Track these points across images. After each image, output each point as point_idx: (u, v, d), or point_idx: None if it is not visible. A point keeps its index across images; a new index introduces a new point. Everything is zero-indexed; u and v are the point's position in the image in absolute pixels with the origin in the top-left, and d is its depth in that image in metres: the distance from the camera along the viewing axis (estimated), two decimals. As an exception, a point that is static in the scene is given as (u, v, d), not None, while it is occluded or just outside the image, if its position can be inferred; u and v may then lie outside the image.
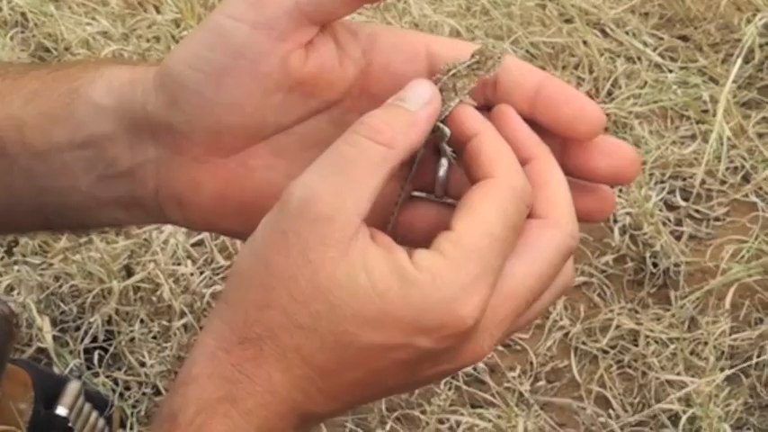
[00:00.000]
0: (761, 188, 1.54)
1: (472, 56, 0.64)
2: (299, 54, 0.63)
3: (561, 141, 0.65)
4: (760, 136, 1.59)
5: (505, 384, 1.38)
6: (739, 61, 1.64)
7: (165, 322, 1.42)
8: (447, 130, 0.63)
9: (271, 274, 0.59)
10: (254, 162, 0.66)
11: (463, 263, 0.59)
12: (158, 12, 1.81)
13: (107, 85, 0.68)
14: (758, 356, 1.35)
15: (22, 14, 1.81)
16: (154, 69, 0.67)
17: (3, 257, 1.48)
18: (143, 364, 1.40)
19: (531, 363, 1.41)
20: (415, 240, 0.65)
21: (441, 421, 1.35)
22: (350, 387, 0.61)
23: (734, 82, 1.63)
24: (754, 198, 1.53)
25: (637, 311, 1.44)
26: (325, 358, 0.60)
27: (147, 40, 1.77)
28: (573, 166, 0.65)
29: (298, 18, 0.63)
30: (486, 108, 0.65)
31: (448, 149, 0.64)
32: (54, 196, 0.70)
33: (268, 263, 0.59)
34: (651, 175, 1.55)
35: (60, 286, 1.45)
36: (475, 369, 1.39)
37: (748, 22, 1.69)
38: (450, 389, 1.37)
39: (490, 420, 1.34)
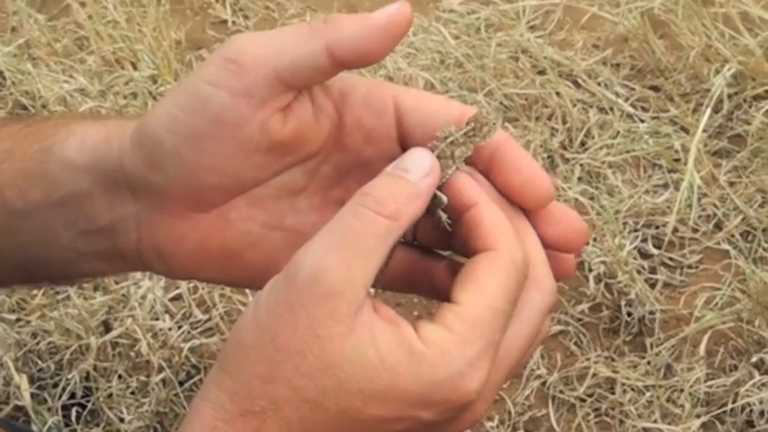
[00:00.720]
0: (733, 236, 1.56)
1: (467, 122, 0.65)
2: (277, 118, 0.64)
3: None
4: (731, 184, 1.61)
5: (484, 434, 1.39)
6: (708, 111, 1.66)
7: (143, 377, 1.42)
8: (444, 198, 0.64)
9: (277, 348, 0.59)
10: (232, 214, 0.67)
11: (469, 338, 0.60)
12: (135, 68, 1.82)
13: (80, 143, 0.69)
14: (733, 403, 1.36)
15: (0, 73, 1.82)
16: (130, 125, 0.67)
17: (-20, 315, 1.48)
18: (122, 420, 1.39)
19: (510, 412, 1.41)
20: (383, 281, 0.67)
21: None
22: None
23: (704, 131, 1.65)
24: (726, 246, 1.55)
25: (613, 359, 1.45)
26: (326, 430, 0.60)
27: (125, 97, 1.78)
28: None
29: (276, 85, 0.63)
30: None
31: (444, 216, 0.65)
32: (36, 251, 0.71)
33: (274, 336, 0.59)
34: (625, 223, 1.57)
35: (38, 343, 1.45)
36: (453, 420, 1.39)
37: (717, 72, 1.72)
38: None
39: (469, 471, 1.34)
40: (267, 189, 0.67)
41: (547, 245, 0.65)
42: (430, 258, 0.69)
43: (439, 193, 0.64)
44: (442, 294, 0.65)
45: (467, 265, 0.63)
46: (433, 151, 0.64)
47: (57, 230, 0.69)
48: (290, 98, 0.64)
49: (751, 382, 1.37)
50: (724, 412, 1.37)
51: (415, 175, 0.62)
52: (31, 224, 0.70)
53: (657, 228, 1.58)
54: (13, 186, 0.69)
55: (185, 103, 0.64)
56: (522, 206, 0.65)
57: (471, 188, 0.64)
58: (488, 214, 0.63)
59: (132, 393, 1.42)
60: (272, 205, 0.68)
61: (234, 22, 1.95)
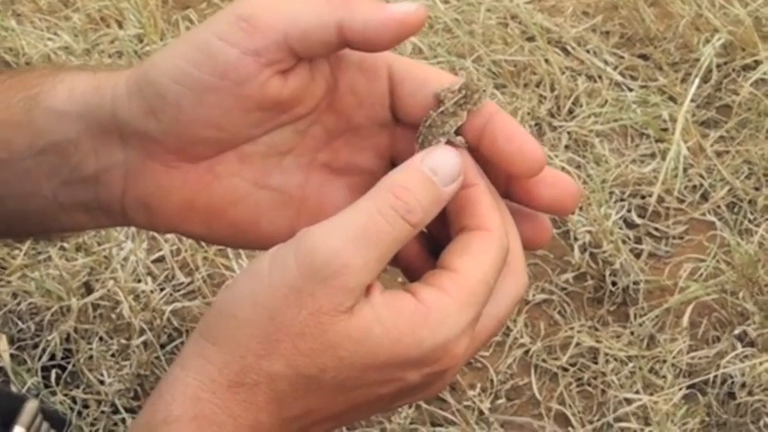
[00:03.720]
0: (719, 207, 1.55)
1: (459, 90, 0.65)
2: (278, 78, 0.65)
3: (505, 174, 0.67)
4: (718, 155, 1.61)
5: (465, 402, 1.39)
6: (697, 80, 1.65)
7: (124, 340, 1.41)
8: None
9: (277, 328, 0.60)
10: (221, 169, 0.68)
11: (465, 305, 0.62)
12: (121, 27, 1.80)
13: (68, 92, 0.68)
14: (715, 375, 1.36)
15: (-17, 29, 1.80)
16: (122, 75, 0.67)
17: (-40, 275, 1.47)
18: (102, 383, 1.39)
19: (492, 380, 1.41)
20: None
21: (401, 439, 1.36)
22: (328, 419, 0.63)
23: (692, 101, 1.64)
24: (712, 217, 1.54)
25: (596, 329, 1.45)
26: (316, 400, 0.61)
27: (110, 56, 1.76)
28: (516, 193, 0.67)
29: (285, 50, 0.64)
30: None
31: None
32: (16, 202, 0.70)
33: (274, 315, 0.60)
34: (611, 193, 1.56)
35: (18, 304, 1.44)
36: (435, 387, 1.39)
37: (707, 41, 1.71)
38: (410, 407, 1.37)
39: (450, 438, 1.34)
40: (257, 146, 0.67)
41: (542, 208, 0.67)
42: None
43: None
44: (410, 264, 0.67)
45: (460, 238, 0.64)
46: (426, 121, 0.65)
47: (39, 180, 0.69)
48: (293, 63, 0.65)
49: (733, 354, 1.37)
50: (705, 383, 1.37)
51: (443, 180, 0.63)
52: (13, 174, 0.69)
53: (644, 198, 1.57)
54: None
55: (192, 56, 0.64)
56: (515, 174, 0.66)
57: (473, 169, 0.65)
58: (486, 197, 0.65)
59: (113, 356, 1.41)
60: (260, 162, 0.68)
61: (221, -18, 1.93)
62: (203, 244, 1.51)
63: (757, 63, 1.67)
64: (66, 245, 1.47)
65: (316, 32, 0.64)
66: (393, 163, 0.68)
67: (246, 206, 0.68)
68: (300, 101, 0.67)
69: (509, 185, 0.67)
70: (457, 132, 0.66)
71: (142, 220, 0.69)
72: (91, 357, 1.40)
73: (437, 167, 0.63)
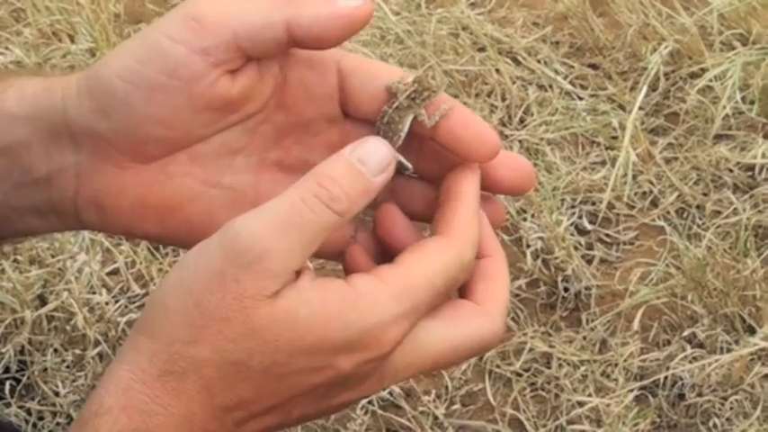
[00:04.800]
0: (668, 212, 1.57)
1: (412, 83, 0.67)
2: (227, 78, 0.66)
3: (460, 159, 0.68)
4: (667, 161, 1.63)
5: (420, 408, 1.40)
6: (645, 88, 1.68)
7: (78, 351, 1.41)
8: (409, 165, 0.67)
9: (202, 313, 0.60)
10: (173, 169, 0.68)
11: (400, 295, 0.62)
12: (73, 41, 1.80)
13: (18, 94, 0.68)
14: (665, 376, 1.38)
15: (-66, 44, 1.80)
16: (72, 77, 0.68)
17: None
18: (57, 394, 1.39)
19: (447, 386, 1.42)
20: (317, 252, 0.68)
21: (356, 446, 1.36)
22: (264, 414, 0.63)
23: (641, 109, 1.67)
24: (661, 222, 1.57)
25: (549, 334, 1.46)
26: (247, 387, 0.61)
27: (62, 70, 1.76)
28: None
29: (234, 49, 0.65)
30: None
31: (411, 176, 0.69)
32: None
33: (199, 302, 0.60)
34: (562, 200, 1.58)
35: (-28, 316, 1.44)
36: (390, 393, 1.40)
37: (654, 50, 1.74)
38: (366, 413, 1.38)
39: (405, 444, 1.35)
40: (208, 146, 0.68)
41: (502, 190, 0.68)
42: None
43: (405, 162, 0.67)
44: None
45: (421, 241, 0.65)
46: (382, 117, 0.66)
47: None
48: (242, 62, 0.66)
49: (682, 355, 1.39)
50: (656, 385, 1.39)
51: (372, 170, 0.63)
52: None
53: (594, 204, 1.59)
54: None
55: (142, 54, 0.65)
56: (473, 160, 0.67)
57: (464, 184, 0.66)
58: (465, 212, 0.65)
59: (68, 367, 1.41)
60: (211, 162, 0.68)
61: (173, -4, 1.94)
62: (158, 255, 1.51)
63: (703, 71, 1.70)
64: (19, 257, 1.47)
65: (264, 31, 0.65)
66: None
67: (200, 205, 0.69)
68: (250, 99, 0.67)
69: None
70: (413, 125, 0.67)
71: (95, 221, 0.69)
72: (46, 369, 1.40)
73: (365, 158, 0.63)
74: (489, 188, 0.68)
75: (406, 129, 0.67)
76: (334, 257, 0.69)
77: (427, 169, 0.69)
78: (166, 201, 0.68)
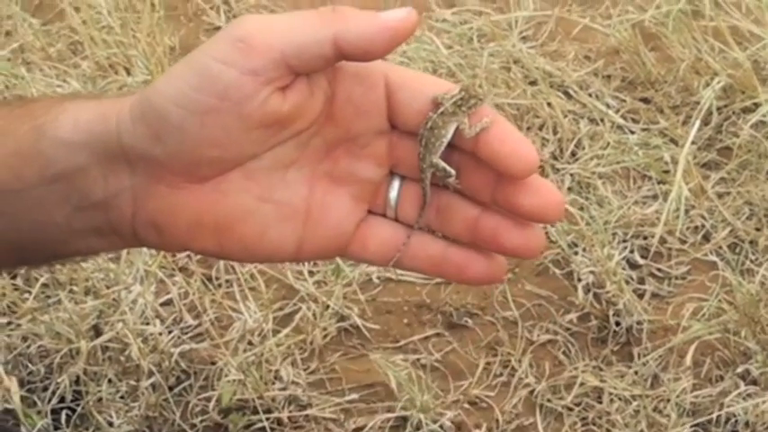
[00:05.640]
0: (720, 247, 1.57)
1: (459, 91, 0.67)
2: (278, 96, 0.67)
3: (496, 176, 0.68)
4: (719, 196, 1.62)
5: (471, 442, 1.40)
6: (698, 123, 1.67)
7: (132, 382, 1.43)
8: (452, 171, 0.67)
9: None
10: (227, 186, 0.69)
11: None
12: (129, 74, 1.83)
13: (74, 121, 0.70)
14: (719, 413, 1.37)
15: (-6, 77, 1.83)
16: (126, 101, 0.69)
17: (-29, 318, 1.49)
18: (111, 424, 1.40)
19: (497, 420, 1.42)
20: (366, 257, 0.69)
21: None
22: None
23: (693, 143, 1.66)
24: (713, 257, 1.56)
25: (601, 369, 1.46)
26: None
27: (118, 92, 1.78)
28: (502, 200, 0.68)
29: (282, 67, 0.66)
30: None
31: (453, 184, 0.68)
32: (30, 232, 0.71)
33: None
34: (614, 234, 1.58)
35: (28, 347, 1.45)
36: (442, 427, 1.40)
37: (707, 85, 1.73)
38: (416, 446, 1.38)
39: (456, 478, 1.35)
40: (261, 162, 0.69)
41: (524, 214, 0.68)
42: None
43: (448, 167, 0.67)
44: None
45: None
46: (426, 123, 0.67)
47: (51, 208, 0.70)
48: (291, 79, 0.67)
49: (736, 392, 1.38)
50: (709, 422, 1.38)
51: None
52: (26, 204, 0.70)
53: (646, 238, 1.59)
54: (6, 167, 0.70)
55: (193, 79, 0.66)
56: (509, 175, 0.67)
57: None
58: None
59: (122, 398, 1.42)
60: (264, 178, 0.69)
61: (228, 29, 1.96)
62: (211, 287, 1.52)
63: (757, 105, 1.69)
64: (75, 288, 1.49)
65: (312, 48, 0.66)
66: (392, 171, 0.70)
67: (254, 221, 0.69)
68: (300, 115, 0.68)
69: (495, 193, 0.68)
70: (455, 137, 0.67)
71: (153, 240, 0.70)
72: (100, 399, 1.42)
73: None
74: (512, 211, 0.68)
75: (449, 135, 0.67)
76: (383, 263, 0.70)
77: (468, 187, 0.69)
78: (220, 218, 0.69)
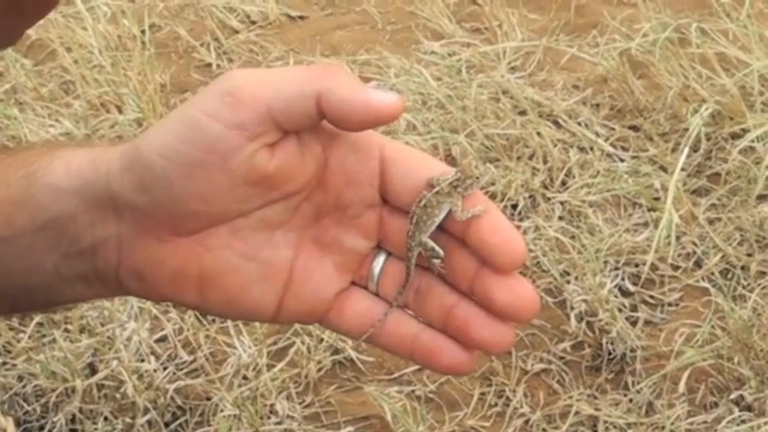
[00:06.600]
0: (712, 273, 1.57)
1: (456, 172, 0.66)
2: (264, 152, 0.66)
3: (479, 265, 0.67)
4: (710, 222, 1.63)
5: (467, 473, 1.40)
6: (687, 150, 1.68)
7: (128, 419, 1.43)
8: (440, 251, 0.66)
9: None
10: (212, 242, 0.69)
11: None
12: (120, 112, 1.84)
13: (65, 167, 0.70)
14: (713, 439, 1.37)
15: (-14, 117, 1.84)
16: (117, 150, 0.69)
17: (-34, 359, 1.49)
18: (107, 462, 1.40)
19: (493, 450, 1.42)
20: (342, 328, 0.69)
21: None
22: None
23: (683, 170, 1.67)
24: (705, 284, 1.56)
25: (595, 397, 1.46)
26: None
27: (110, 140, 1.79)
28: (479, 291, 0.67)
29: (269, 122, 0.66)
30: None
31: (438, 264, 0.67)
32: (20, 278, 0.72)
33: None
34: (605, 262, 1.59)
35: (24, 386, 1.45)
36: (438, 458, 1.40)
37: (695, 112, 1.74)
38: (412, 478, 1.38)
39: None
40: (248, 220, 0.69)
41: (498, 311, 0.66)
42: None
43: (436, 247, 0.66)
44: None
45: None
46: (420, 201, 0.66)
47: (41, 254, 0.70)
48: (279, 136, 0.66)
49: (730, 418, 1.38)
50: (704, 449, 1.38)
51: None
52: (17, 250, 0.71)
53: (638, 266, 1.59)
54: None
55: (180, 131, 0.66)
56: (496, 266, 0.66)
57: None
58: None
59: (118, 435, 1.42)
60: (251, 236, 0.69)
61: (218, 66, 1.97)
62: (205, 322, 1.53)
63: (745, 131, 1.70)
64: (70, 326, 1.49)
65: (297, 103, 0.65)
66: (380, 245, 0.70)
67: (237, 277, 0.69)
68: (290, 178, 0.68)
69: (474, 281, 0.67)
70: (446, 221, 0.66)
71: (136, 289, 0.70)
72: (96, 437, 1.42)
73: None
74: (485, 306, 0.66)
75: (441, 216, 0.66)
76: (357, 336, 0.69)
77: (450, 272, 0.68)
78: (204, 272, 0.69)
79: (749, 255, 1.58)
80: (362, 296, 0.70)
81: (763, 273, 1.55)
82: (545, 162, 1.73)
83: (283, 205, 0.69)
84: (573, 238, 1.61)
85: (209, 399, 1.45)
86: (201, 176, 0.66)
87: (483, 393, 1.47)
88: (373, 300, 0.70)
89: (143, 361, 1.47)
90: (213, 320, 1.53)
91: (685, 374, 1.45)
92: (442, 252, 0.67)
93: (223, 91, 0.66)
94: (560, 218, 1.66)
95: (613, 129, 1.79)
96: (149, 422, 1.42)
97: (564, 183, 1.71)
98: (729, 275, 1.57)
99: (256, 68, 0.68)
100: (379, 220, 0.69)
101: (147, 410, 1.43)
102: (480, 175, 0.67)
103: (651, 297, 1.57)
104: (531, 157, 1.74)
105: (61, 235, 0.70)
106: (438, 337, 0.69)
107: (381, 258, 0.70)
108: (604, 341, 1.50)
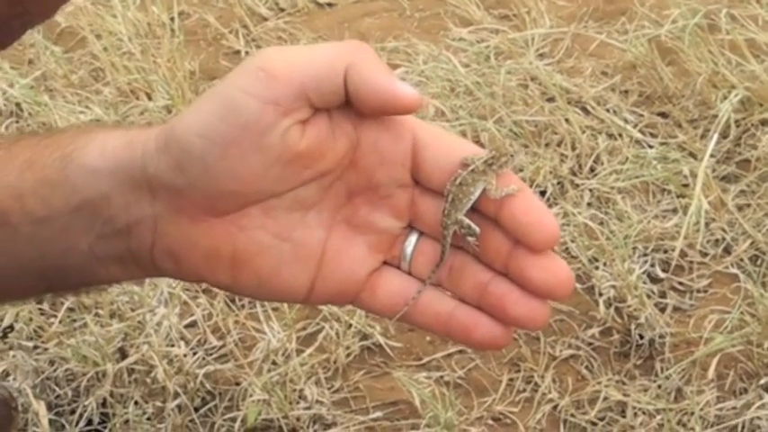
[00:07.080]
0: (741, 260, 1.57)
1: (489, 151, 0.67)
2: (297, 129, 0.67)
3: (513, 244, 0.68)
4: (739, 209, 1.63)
5: (496, 458, 1.40)
6: (716, 136, 1.68)
7: (159, 403, 1.44)
8: (477, 229, 0.67)
9: None
10: (246, 222, 0.70)
11: None
12: (150, 99, 1.85)
13: (101, 149, 0.71)
14: (743, 426, 1.37)
15: (17, 105, 1.85)
16: (152, 131, 0.70)
17: (-2, 343, 1.51)
18: (138, 446, 1.41)
19: (521, 436, 1.43)
20: (374, 307, 0.69)
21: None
22: None
23: (712, 156, 1.67)
24: (735, 270, 1.56)
25: (624, 383, 1.46)
26: None
27: (140, 126, 1.80)
28: (514, 270, 0.68)
29: (302, 98, 0.67)
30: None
31: (472, 242, 0.68)
32: (56, 259, 0.73)
33: None
34: (634, 248, 1.58)
35: (55, 370, 1.47)
36: (466, 442, 1.41)
37: (724, 98, 1.74)
38: (441, 463, 1.39)
39: (481, 494, 1.36)
40: (282, 201, 0.69)
41: (534, 289, 0.67)
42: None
43: (473, 225, 0.67)
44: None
45: None
46: (455, 179, 0.67)
47: (76, 235, 0.72)
48: (310, 113, 0.67)
49: (760, 403, 1.38)
50: (734, 435, 1.38)
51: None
52: (52, 231, 0.72)
53: (666, 252, 1.59)
54: (34, 194, 0.72)
55: (217, 109, 0.67)
56: (529, 246, 0.67)
57: None
58: None
59: (148, 419, 1.43)
60: (284, 217, 0.70)
61: (247, 53, 1.98)
62: (234, 308, 1.53)
63: (775, 117, 1.70)
64: (100, 311, 1.50)
65: (327, 79, 0.67)
66: (411, 225, 0.70)
67: (269, 258, 0.70)
68: (321, 155, 0.69)
69: (508, 263, 0.68)
70: (480, 201, 0.67)
71: (171, 269, 0.71)
72: (127, 421, 1.43)
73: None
74: (521, 285, 0.68)
75: (477, 194, 0.67)
76: (391, 315, 0.70)
77: (483, 252, 0.69)
78: (237, 252, 0.70)
79: (779, 241, 1.58)
80: (395, 275, 0.71)
81: (793, 259, 1.55)
82: (573, 149, 1.73)
83: (316, 185, 0.70)
84: (602, 224, 1.61)
85: (238, 384, 1.46)
86: (237, 155, 0.67)
87: (511, 379, 1.47)
88: (406, 279, 0.71)
89: (173, 346, 1.48)
90: (242, 306, 1.54)
91: (714, 360, 1.45)
92: (478, 229, 0.68)
93: (258, 67, 0.68)
94: (589, 204, 1.65)
95: (642, 115, 1.79)
96: (179, 406, 1.43)
97: (592, 169, 1.71)
98: (759, 262, 1.57)
99: (287, 46, 0.69)
100: (411, 201, 0.70)
101: (176, 395, 1.44)
102: (515, 152, 0.67)
103: (680, 283, 1.57)
104: (559, 144, 1.74)
105: (96, 216, 0.71)
106: (473, 312, 0.69)
107: (413, 238, 0.70)
108: (633, 327, 1.49)
